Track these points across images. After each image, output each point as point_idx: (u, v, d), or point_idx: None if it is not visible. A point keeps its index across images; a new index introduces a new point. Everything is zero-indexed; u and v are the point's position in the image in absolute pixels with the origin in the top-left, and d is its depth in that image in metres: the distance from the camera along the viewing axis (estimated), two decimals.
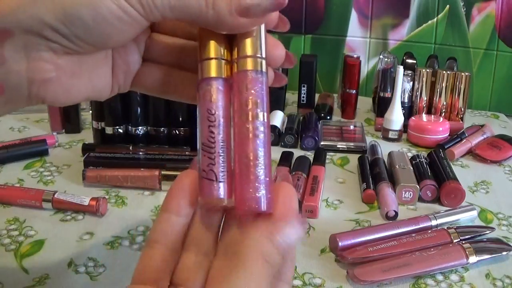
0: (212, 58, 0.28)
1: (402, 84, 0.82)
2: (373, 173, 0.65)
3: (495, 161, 0.74)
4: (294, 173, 0.64)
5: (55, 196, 0.56)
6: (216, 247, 0.29)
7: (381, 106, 0.85)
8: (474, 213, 0.57)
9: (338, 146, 0.76)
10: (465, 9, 0.96)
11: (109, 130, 0.70)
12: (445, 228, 0.52)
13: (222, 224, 0.29)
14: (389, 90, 0.85)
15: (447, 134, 0.80)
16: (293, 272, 0.30)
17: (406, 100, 0.85)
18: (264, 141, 0.27)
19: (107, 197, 0.60)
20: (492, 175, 0.70)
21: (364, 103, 0.97)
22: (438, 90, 0.85)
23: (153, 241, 0.28)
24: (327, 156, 0.73)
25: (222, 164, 0.27)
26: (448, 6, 0.97)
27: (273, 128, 0.78)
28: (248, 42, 0.28)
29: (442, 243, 0.50)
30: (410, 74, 0.85)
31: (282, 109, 0.89)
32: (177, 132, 0.70)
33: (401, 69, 0.80)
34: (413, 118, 0.82)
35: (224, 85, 0.28)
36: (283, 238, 0.26)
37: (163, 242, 0.28)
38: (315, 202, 0.58)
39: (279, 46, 0.30)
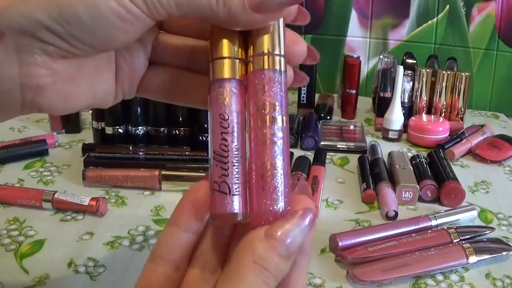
0: (224, 57, 0.26)
1: (402, 84, 0.82)
2: (373, 173, 0.65)
3: (495, 161, 0.74)
4: (294, 173, 0.64)
5: (55, 196, 0.56)
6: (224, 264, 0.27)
7: (381, 106, 0.85)
8: (474, 213, 0.57)
9: (338, 146, 0.76)
10: (465, 9, 0.96)
11: (109, 130, 0.70)
12: (445, 228, 0.52)
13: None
14: (389, 90, 0.85)
15: (447, 134, 0.80)
16: (304, 279, 0.26)
17: (406, 100, 0.85)
18: (282, 148, 0.24)
19: (107, 197, 0.59)
20: (492, 175, 0.70)
21: (364, 103, 0.97)
22: (438, 90, 0.85)
23: (158, 257, 0.26)
24: (327, 156, 0.73)
25: (236, 176, 0.25)
26: (448, 6, 0.97)
27: None
28: (265, 38, 0.25)
29: (442, 243, 0.50)
30: (410, 74, 0.85)
31: None
32: (177, 132, 0.70)
33: (401, 69, 0.80)
34: (413, 118, 0.82)
35: (238, 87, 0.26)
36: (286, 238, 0.24)
37: (167, 258, 0.26)
38: (315, 202, 0.58)
39: (300, 41, 0.27)
